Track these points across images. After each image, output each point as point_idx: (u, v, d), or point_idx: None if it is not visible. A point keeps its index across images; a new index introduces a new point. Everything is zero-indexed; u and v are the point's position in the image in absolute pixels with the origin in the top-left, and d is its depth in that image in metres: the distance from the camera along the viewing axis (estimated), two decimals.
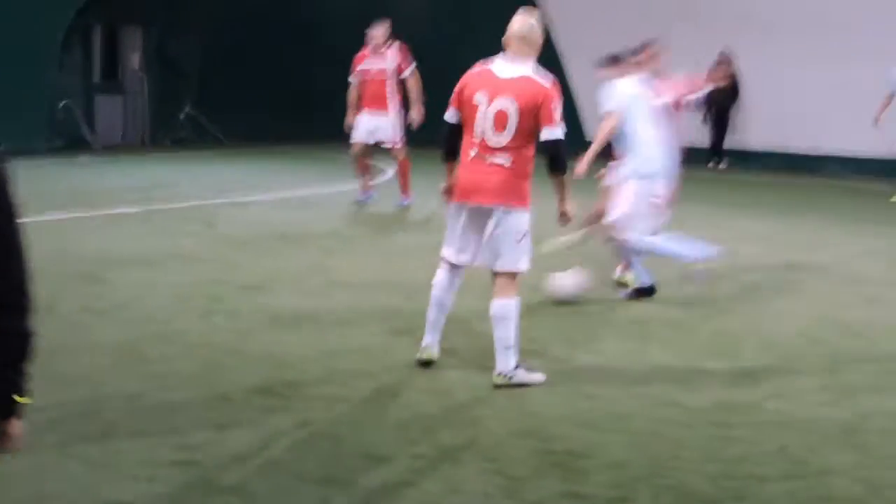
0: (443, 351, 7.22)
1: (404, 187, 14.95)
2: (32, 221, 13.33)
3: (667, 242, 9.58)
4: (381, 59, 14.62)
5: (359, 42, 14.89)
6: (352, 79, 14.86)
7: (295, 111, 25.69)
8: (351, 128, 14.88)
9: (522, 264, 6.89)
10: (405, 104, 14.74)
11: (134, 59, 26.28)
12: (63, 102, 23.84)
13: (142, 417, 6.10)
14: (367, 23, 14.85)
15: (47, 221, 13.37)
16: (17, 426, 3.03)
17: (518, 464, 5.47)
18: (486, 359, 7.03)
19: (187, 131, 26.28)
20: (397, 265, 10.77)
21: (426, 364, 7.12)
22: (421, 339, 7.25)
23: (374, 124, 14.66)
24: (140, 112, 26.35)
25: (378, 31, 14.63)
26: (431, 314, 7.14)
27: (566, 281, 9.33)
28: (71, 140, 23.98)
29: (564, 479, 5.30)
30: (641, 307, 9.17)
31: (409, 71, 14.59)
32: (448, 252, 7.06)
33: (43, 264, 10.09)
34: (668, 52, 9.99)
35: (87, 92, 25.19)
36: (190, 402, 6.37)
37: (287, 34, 25.29)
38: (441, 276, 7.11)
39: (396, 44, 14.67)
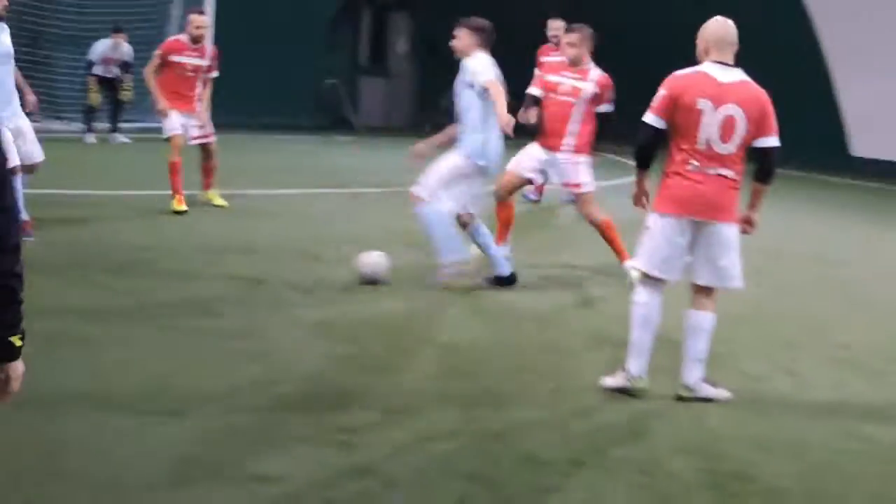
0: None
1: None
2: (275, 194, 13.89)
3: (448, 229, 9.16)
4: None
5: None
6: None
7: None
8: None
9: (739, 281, 6.60)
10: None
11: (400, 43, 26.80)
12: (329, 81, 24.56)
13: (315, 395, 6.17)
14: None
15: (288, 195, 13.79)
16: (17, 369, 3.09)
17: (673, 480, 5.26)
18: (667, 369, 6.80)
19: (448, 118, 26.60)
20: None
21: (632, 394, 6.60)
22: (615, 347, 7.10)
23: None
24: (403, 96, 26.86)
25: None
26: (639, 336, 6.60)
27: (369, 260, 9.13)
28: (334, 119, 24.71)
29: (714, 502, 5.08)
30: (850, 334, 8.66)
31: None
32: (651, 267, 6.59)
33: (266, 238, 10.59)
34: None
35: (353, 73, 25.87)
36: (368, 385, 6.40)
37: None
38: (645, 293, 6.62)
39: None
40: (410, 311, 8.38)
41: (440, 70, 26.45)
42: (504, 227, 10.30)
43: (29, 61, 19.50)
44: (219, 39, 20.06)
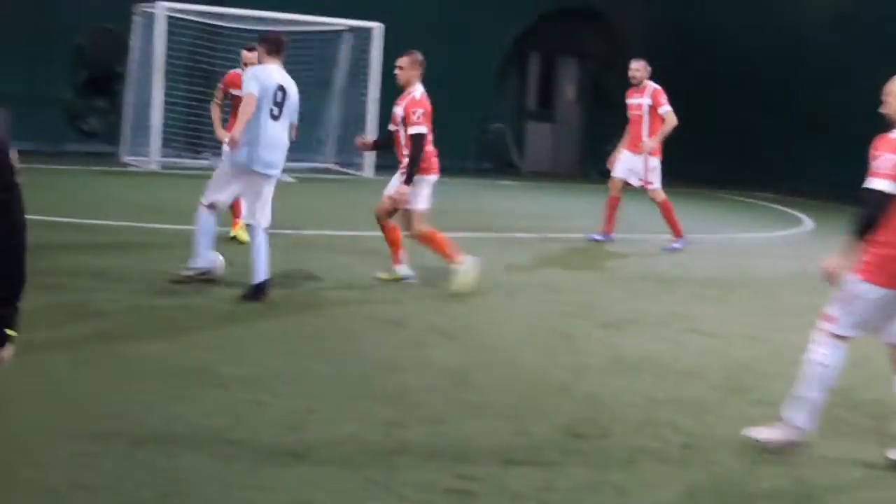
0: None
1: (673, 228, 14.47)
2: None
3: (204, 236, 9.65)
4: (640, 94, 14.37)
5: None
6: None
7: (729, 156, 25.20)
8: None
9: None
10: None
11: (568, 90, 26.76)
12: (495, 125, 24.65)
13: (437, 441, 6.13)
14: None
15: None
16: (7, 351, 3.47)
17: None
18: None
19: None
20: (766, 320, 10.26)
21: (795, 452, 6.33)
22: (764, 402, 6.82)
23: (632, 163, 14.39)
24: (571, 142, 26.78)
25: (637, 66, 14.45)
26: (817, 397, 6.31)
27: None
28: (500, 163, 24.77)
29: None
30: None
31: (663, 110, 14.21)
32: (849, 330, 6.31)
33: (422, 281, 10.60)
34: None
35: (520, 118, 25.90)
36: (491, 433, 6.34)
37: (725, 78, 24.81)
38: (834, 356, 6.36)
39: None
40: (548, 361, 8.26)
41: (608, 117, 26.49)
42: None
43: (202, 101, 20.17)
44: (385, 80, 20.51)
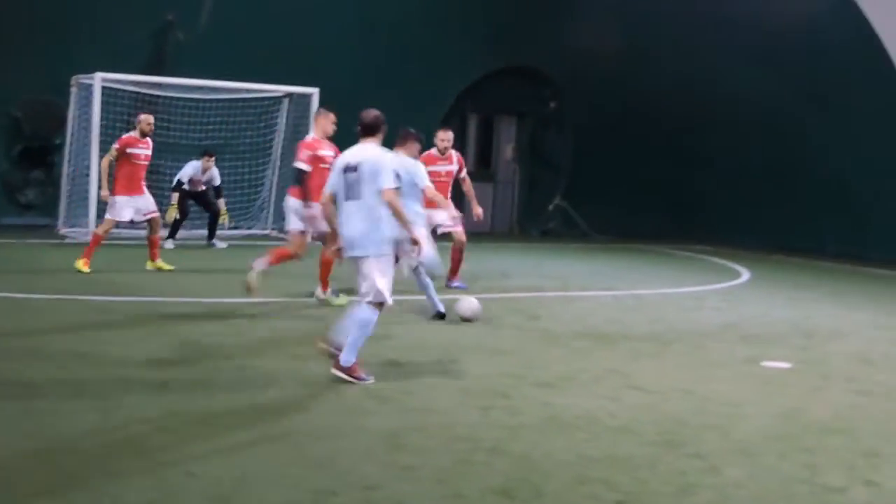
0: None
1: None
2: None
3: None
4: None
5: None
6: None
7: (666, 210, 25.47)
8: None
9: None
10: None
11: (507, 150, 26.97)
12: None
13: None
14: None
15: None
16: None
17: None
18: None
19: (556, 223, 26.69)
20: (703, 376, 10.34)
21: None
22: (696, 455, 6.87)
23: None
24: (509, 200, 26.96)
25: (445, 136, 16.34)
26: None
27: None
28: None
29: None
30: None
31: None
32: None
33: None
34: None
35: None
36: (423, 497, 6.33)
37: (661, 136, 25.13)
38: None
39: None
40: (483, 421, 8.27)
41: (547, 175, 26.74)
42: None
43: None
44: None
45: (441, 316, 12.57)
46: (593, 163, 25.80)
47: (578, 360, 10.80)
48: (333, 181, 9.70)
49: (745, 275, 19.07)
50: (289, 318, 12.47)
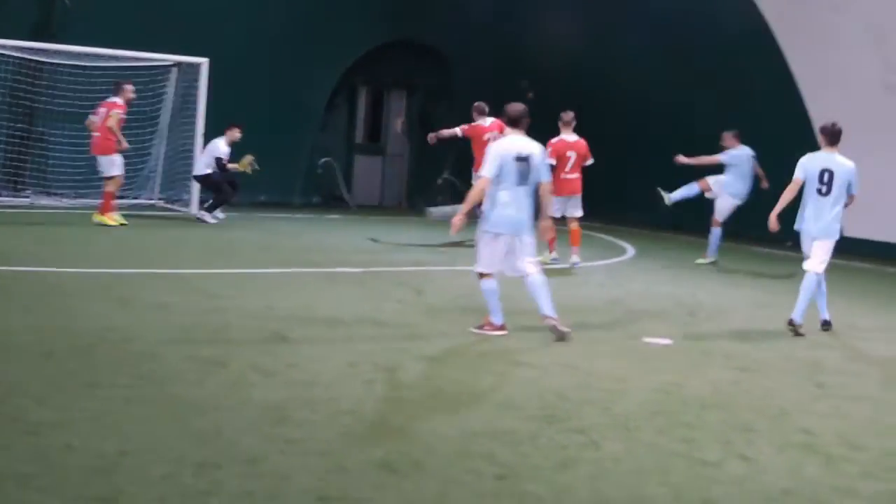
0: None
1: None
2: (252, 273, 13.91)
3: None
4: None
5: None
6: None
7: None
8: None
9: None
10: None
11: (397, 123, 26.97)
12: (323, 160, 24.70)
13: (252, 481, 6.11)
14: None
15: (266, 274, 13.82)
16: None
17: None
18: None
19: (444, 196, 26.74)
20: (586, 351, 10.50)
21: None
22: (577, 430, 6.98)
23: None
24: (399, 175, 26.98)
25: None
26: None
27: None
28: (327, 198, 24.82)
29: None
30: (812, 419, 8.57)
31: None
32: None
33: (240, 319, 10.59)
34: None
35: (349, 152, 26.01)
36: (306, 470, 6.35)
37: (550, 112, 25.25)
38: None
39: None
40: (368, 395, 8.32)
41: (436, 149, 26.79)
42: None
43: (24, 137, 19.79)
44: (211, 114, 20.40)
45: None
46: None
47: (462, 334, 10.88)
48: (503, 167, 10.57)
49: (631, 251, 19.37)
50: (175, 293, 12.33)
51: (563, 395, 8.61)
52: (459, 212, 10.71)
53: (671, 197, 17.94)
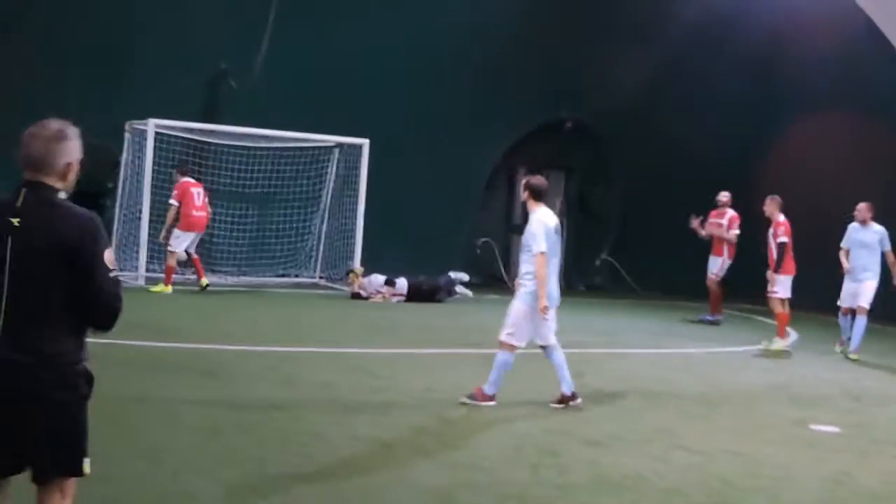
0: None
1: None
2: (411, 353, 14.02)
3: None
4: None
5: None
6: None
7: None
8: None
9: None
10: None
11: (555, 203, 26.99)
12: (482, 240, 24.84)
13: None
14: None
15: (426, 354, 13.91)
16: None
17: None
18: None
19: (603, 277, 26.65)
20: (748, 437, 10.30)
21: None
22: None
23: None
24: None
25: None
26: None
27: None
28: (487, 277, 24.90)
29: None
30: None
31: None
32: None
33: (407, 399, 10.65)
34: None
35: (507, 232, 26.08)
36: None
37: (708, 189, 25.01)
38: None
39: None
40: (533, 479, 8.28)
41: (595, 230, 26.73)
42: None
43: None
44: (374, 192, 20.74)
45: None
46: (642, 217, 25.75)
47: (626, 418, 10.78)
48: (548, 242, 10.71)
49: (794, 335, 18.94)
50: (339, 371, 12.47)
51: (728, 483, 8.47)
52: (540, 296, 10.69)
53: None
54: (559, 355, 11.01)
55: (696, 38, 24.03)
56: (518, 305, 10.89)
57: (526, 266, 10.83)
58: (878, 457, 9.85)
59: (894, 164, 21.72)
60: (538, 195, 10.94)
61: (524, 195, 11.00)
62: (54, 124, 4.80)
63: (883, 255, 16.13)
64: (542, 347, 11.10)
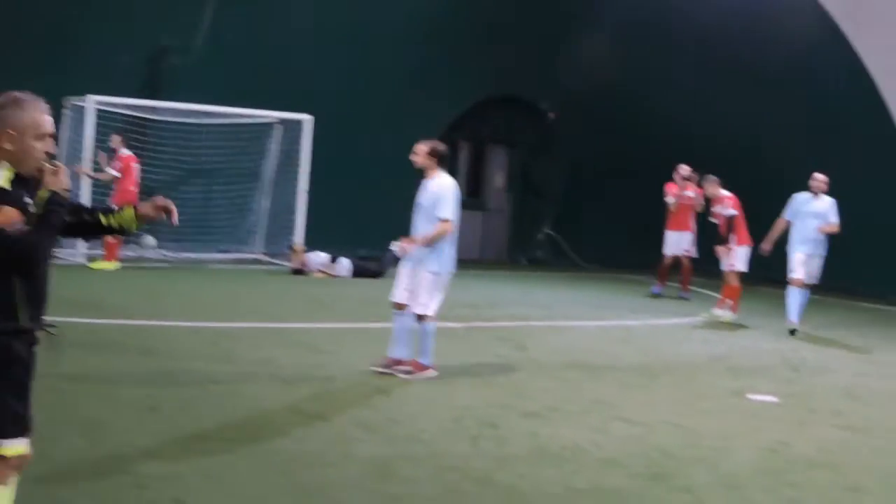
0: None
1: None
2: (352, 327, 14.00)
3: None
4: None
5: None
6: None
7: (653, 239, 25.43)
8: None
9: None
10: None
11: (498, 178, 27.06)
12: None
13: None
14: None
15: (367, 328, 13.88)
16: None
17: None
18: None
19: (545, 252, 26.75)
20: (687, 408, 10.38)
21: None
22: (683, 488, 6.94)
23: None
24: (499, 229, 27.03)
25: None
26: None
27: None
28: None
29: None
30: None
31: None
32: None
33: (341, 373, 10.65)
34: None
35: None
36: None
37: (647, 164, 25.13)
38: None
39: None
40: (472, 451, 8.30)
41: (537, 204, 26.81)
42: None
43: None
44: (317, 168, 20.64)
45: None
46: (583, 192, 25.87)
47: (565, 390, 10.83)
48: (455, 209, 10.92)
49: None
50: (279, 346, 12.43)
51: (668, 453, 8.53)
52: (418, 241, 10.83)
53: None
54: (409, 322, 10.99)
55: (644, 14, 24.15)
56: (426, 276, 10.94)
57: (425, 229, 10.80)
58: (815, 426, 9.97)
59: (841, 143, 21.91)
60: (443, 161, 10.96)
61: (427, 160, 10.86)
62: None
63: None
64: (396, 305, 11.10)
